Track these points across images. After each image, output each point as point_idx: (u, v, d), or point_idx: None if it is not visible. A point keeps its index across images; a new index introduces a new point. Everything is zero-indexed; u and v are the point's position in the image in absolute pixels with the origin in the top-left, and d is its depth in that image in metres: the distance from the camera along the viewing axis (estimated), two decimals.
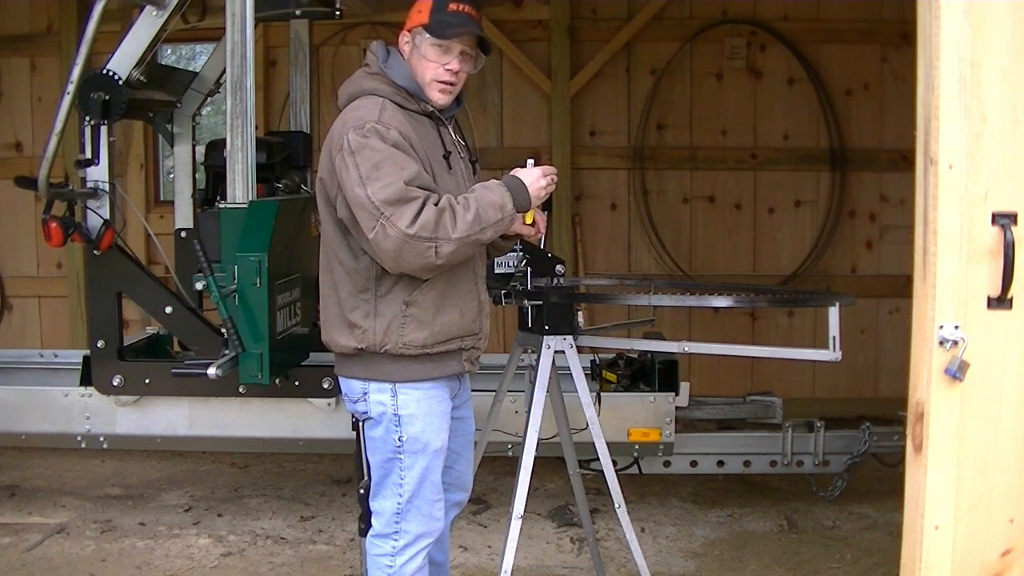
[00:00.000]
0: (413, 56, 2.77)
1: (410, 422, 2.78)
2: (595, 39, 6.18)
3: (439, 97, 2.79)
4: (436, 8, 2.73)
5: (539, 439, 3.21)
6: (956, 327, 2.21)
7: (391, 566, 2.85)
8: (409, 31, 2.77)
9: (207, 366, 3.29)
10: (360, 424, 2.91)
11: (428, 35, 2.72)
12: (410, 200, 2.57)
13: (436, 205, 2.60)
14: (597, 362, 4.52)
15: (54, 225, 3.79)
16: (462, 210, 2.62)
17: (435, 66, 2.75)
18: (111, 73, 3.79)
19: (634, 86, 6.26)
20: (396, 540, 2.84)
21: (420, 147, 2.71)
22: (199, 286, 3.41)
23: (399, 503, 2.83)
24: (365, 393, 2.81)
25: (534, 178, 2.77)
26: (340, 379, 2.91)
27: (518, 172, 2.80)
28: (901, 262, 5.87)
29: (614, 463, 3.35)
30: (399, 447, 2.80)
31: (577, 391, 3.29)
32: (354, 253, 2.75)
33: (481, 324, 2.88)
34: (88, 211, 3.92)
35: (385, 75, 2.77)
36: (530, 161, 2.84)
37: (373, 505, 2.90)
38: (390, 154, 2.61)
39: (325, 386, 3.98)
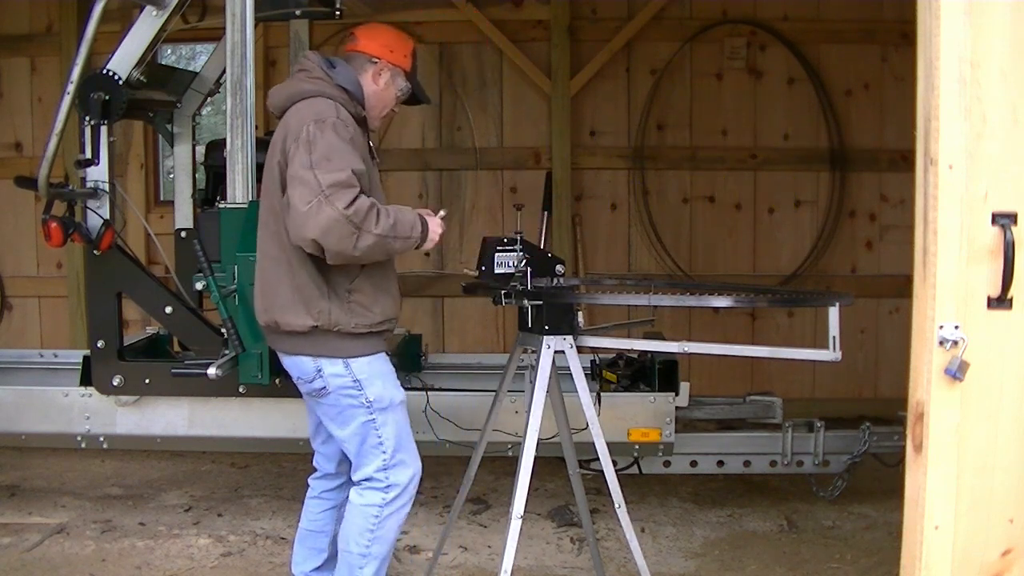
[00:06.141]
0: (384, 87, 3.18)
1: (370, 384, 3.04)
2: (595, 39, 6.18)
3: (379, 123, 3.27)
4: (412, 58, 3.23)
5: (539, 439, 3.21)
6: (956, 327, 2.22)
7: (377, 517, 3.07)
8: (389, 63, 3.16)
9: (207, 366, 3.30)
10: (318, 402, 3.11)
11: (408, 86, 3.23)
12: (351, 187, 2.84)
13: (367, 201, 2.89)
14: (597, 362, 4.52)
15: (54, 225, 3.79)
16: (384, 214, 2.90)
17: (392, 103, 3.24)
18: (111, 73, 3.79)
19: (634, 86, 6.26)
20: (387, 493, 3.07)
21: (362, 149, 3.00)
22: (199, 286, 3.42)
23: (384, 460, 3.06)
24: (319, 370, 3.02)
25: (436, 224, 3.10)
26: (289, 361, 3.09)
27: (425, 215, 3.08)
28: (901, 262, 5.87)
29: (614, 463, 3.35)
30: (369, 408, 3.03)
31: (577, 391, 3.29)
32: None
33: (399, 309, 3.20)
34: (88, 211, 3.92)
35: (331, 80, 3.06)
36: (441, 212, 3.17)
37: (358, 474, 3.11)
38: (342, 148, 2.88)
39: None
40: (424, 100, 3.37)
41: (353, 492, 3.15)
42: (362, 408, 3.04)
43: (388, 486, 3.07)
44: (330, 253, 2.86)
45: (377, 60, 3.16)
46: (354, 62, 3.16)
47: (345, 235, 2.81)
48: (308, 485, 3.42)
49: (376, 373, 3.07)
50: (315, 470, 3.41)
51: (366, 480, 3.10)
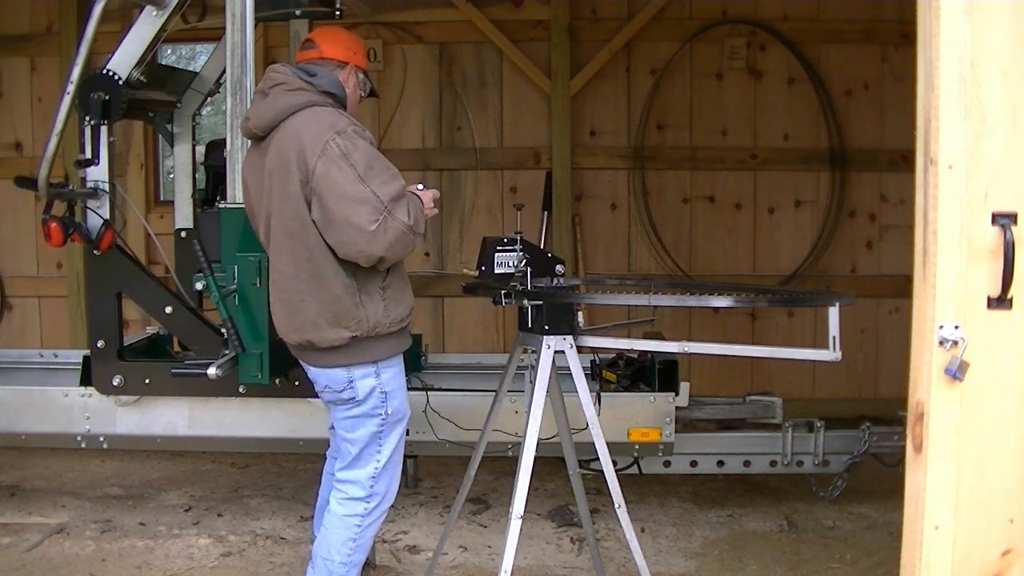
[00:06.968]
0: (354, 88, 3.21)
1: (392, 396, 3.14)
2: (595, 39, 6.17)
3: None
4: (366, 55, 3.31)
5: (539, 439, 3.21)
6: (956, 327, 2.22)
7: (359, 526, 3.13)
8: (355, 66, 3.21)
9: (207, 366, 3.30)
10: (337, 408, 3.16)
11: (368, 83, 3.28)
12: (404, 196, 2.94)
13: (413, 204, 2.97)
14: (597, 362, 4.52)
15: (54, 225, 3.79)
16: (413, 208, 2.96)
17: (358, 102, 3.29)
18: (111, 73, 3.79)
19: (634, 86, 6.25)
20: (368, 503, 3.14)
21: None
22: (199, 286, 3.41)
23: (376, 468, 3.13)
24: (351, 381, 3.06)
25: (427, 199, 3.14)
26: (319, 373, 3.11)
27: (415, 191, 3.11)
28: (901, 262, 5.87)
29: (614, 463, 3.35)
30: (383, 420, 3.10)
31: (577, 391, 3.29)
32: None
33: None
34: (88, 211, 3.92)
35: (314, 88, 3.05)
36: (419, 184, 3.18)
37: (346, 475, 3.16)
38: (375, 153, 2.94)
39: None
40: (376, 94, 3.43)
41: (334, 502, 3.17)
42: (378, 418, 3.11)
43: (370, 495, 3.15)
44: (388, 262, 2.97)
45: (345, 64, 3.18)
46: (323, 69, 3.13)
47: (408, 243, 2.94)
48: (326, 459, 3.49)
49: (398, 386, 3.17)
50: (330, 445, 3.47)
51: (351, 483, 3.15)
